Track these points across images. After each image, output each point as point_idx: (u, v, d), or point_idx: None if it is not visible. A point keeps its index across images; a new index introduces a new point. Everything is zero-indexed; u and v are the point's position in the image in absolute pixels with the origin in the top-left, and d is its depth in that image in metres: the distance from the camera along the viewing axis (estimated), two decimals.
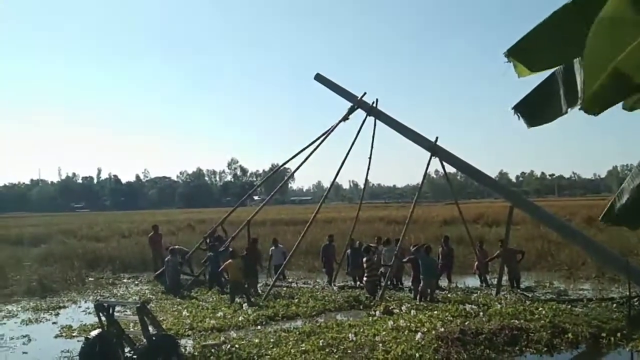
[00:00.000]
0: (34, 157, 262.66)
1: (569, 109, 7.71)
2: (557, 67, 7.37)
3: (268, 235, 29.22)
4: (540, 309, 13.68)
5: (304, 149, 19.88)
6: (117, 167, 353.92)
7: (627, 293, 14.16)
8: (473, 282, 19.63)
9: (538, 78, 7.83)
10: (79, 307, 17.70)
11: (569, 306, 14.35)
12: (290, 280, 21.40)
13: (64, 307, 17.69)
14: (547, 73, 7.43)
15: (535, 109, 7.91)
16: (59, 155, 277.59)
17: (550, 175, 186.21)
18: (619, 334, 11.26)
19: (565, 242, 21.45)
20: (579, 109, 6.23)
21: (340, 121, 19.38)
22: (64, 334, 13.73)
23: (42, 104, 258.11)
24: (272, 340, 11.87)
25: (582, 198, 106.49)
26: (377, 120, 19.15)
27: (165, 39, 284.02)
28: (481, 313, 13.63)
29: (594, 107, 6.22)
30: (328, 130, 19.53)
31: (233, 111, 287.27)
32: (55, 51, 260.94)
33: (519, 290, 17.38)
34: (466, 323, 12.33)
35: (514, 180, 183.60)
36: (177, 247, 21.04)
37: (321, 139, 19.54)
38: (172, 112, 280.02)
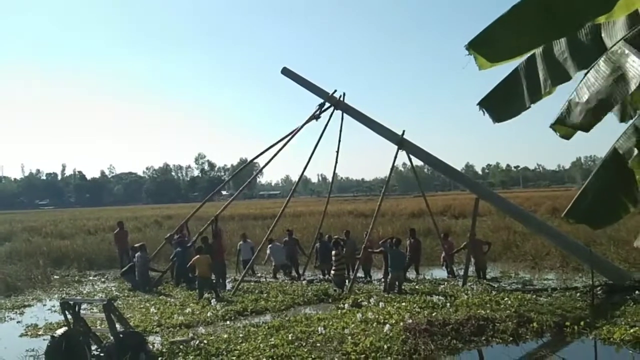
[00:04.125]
0: None
1: (532, 104, 7.88)
2: (518, 61, 7.54)
3: (236, 230, 29.13)
4: (506, 299, 13.86)
5: (273, 145, 19.84)
6: (81, 163, 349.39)
7: (591, 282, 14.44)
8: (440, 273, 19.81)
9: (501, 69, 7.98)
10: (44, 305, 17.41)
11: (534, 296, 14.58)
12: (259, 275, 21.35)
13: (29, 305, 17.38)
14: (508, 64, 7.59)
15: (500, 105, 8.07)
16: (22, 152, 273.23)
17: (515, 167, 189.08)
18: (582, 323, 11.42)
19: (530, 232, 21.81)
20: (550, 126, 6.42)
21: (310, 119, 19.39)
22: (29, 333, 13.48)
23: (3, 100, 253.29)
24: (241, 335, 11.83)
25: (547, 189, 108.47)
26: (344, 114, 19.21)
27: (131, 32, 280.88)
28: (448, 304, 13.75)
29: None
30: (297, 128, 19.53)
31: (200, 105, 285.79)
32: (19, 45, 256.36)
33: (485, 281, 17.60)
34: (433, 314, 12.45)
35: (479, 172, 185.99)
36: (137, 245, 20.67)
37: (290, 136, 19.54)
38: (138, 107, 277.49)
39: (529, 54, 7.37)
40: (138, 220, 44.78)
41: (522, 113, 8.05)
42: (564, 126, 6.24)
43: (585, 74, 6.26)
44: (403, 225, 28.84)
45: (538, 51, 7.41)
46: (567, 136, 6.64)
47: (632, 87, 5.49)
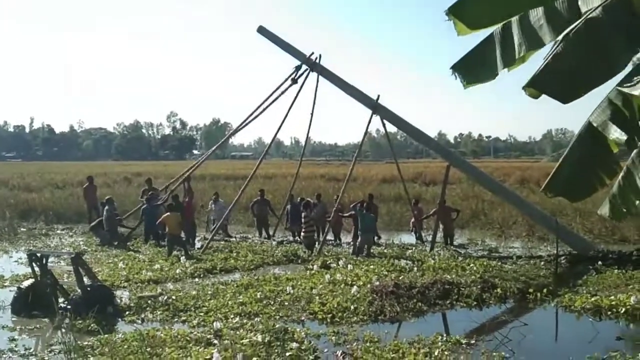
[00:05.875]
0: None
1: (505, 69, 7.89)
2: (495, 27, 7.50)
3: (207, 190, 29.03)
4: (472, 265, 14.06)
5: (253, 115, 19.71)
6: (50, 116, 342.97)
7: (555, 251, 14.75)
8: (409, 238, 20.03)
9: (478, 38, 7.96)
10: (11, 257, 17.25)
11: (499, 263, 14.82)
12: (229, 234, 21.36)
13: None
14: (484, 33, 7.57)
15: (473, 69, 8.05)
16: None
17: (487, 137, 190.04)
18: (545, 290, 11.69)
19: (498, 202, 22.14)
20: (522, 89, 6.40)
21: (289, 85, 19.08)
22: None
23: None
24: (209, 292, 11.90)
25: (517, 160, 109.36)
26: (319, 76, 19.03)
27: None
28: (415, 268, 13.95)
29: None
30: (277, 96, 19.20)
31: (172, 62, 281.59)
32: None
33: (452, 247, 17.85)
34: (400, 277, 12.60)
35: (452, 141, 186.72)
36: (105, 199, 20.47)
37: (268, 103, 19.29)
38: (108, 61, 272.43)
39: (506, 21, 7.34)
40: (107, 176, 44.29)
41: (495, 80, 8.07)
42: (540, 92, 6.20)
43: (564, 38, 6.21)
44: (374, 191, 28.89)
45: (514, 17, 7.36)
46: (535, 96, 6.65)
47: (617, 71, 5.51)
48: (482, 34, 7.75)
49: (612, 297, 10.80)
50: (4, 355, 8.44)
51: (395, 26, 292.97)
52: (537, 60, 7.70)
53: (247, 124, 20.43)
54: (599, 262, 14.18)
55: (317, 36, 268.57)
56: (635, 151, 8.08)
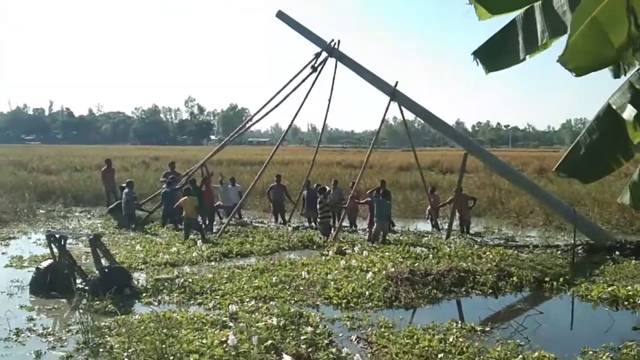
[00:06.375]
0: None
1: (527, 56, 7.77)
2: (517, 12, 7.40)
3: (224, 175, 29.07)
4: (488, 253, 14.02)
5: (272, 102, 19.55)
6: (69, 99, 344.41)
7: (572, 241, 14.64)
8: (425, 226, 19.98)
9: (498, 24, 7.87)
10: (30, 238, 17.47)
11: (516, 251, 14.74)
12: (245, 219, 21.44)
13: (14, 238, 17.43)
14: (505, 18, 7.47)
15: (494, 55, 7.95)
16: (8, 86, 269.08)
17: (505, 126, 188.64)
18: (561, 279, 11.61)
19: (515, 190, 22.01)
20: (557, 62, 6.23)
21: (310, 73, 18.88)
22: (14, 264, 13.53)
23: None
24: (225, 275, 11.97)
25: (535, 150, 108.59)
26: (337, 63, 18.90)
27: None
28: (431, 255, 13.89)
29: (573, 61, 6.21)
30: (296, 83, 19.05)
31: (191, 47, 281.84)
32: None
33: (468, 235, 17.82)
34: (416, 264, 12.61)
35: (470, 129, 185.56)
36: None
37: (289, 92, 19.10)
38: (128, 46, 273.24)
39: (528, 6, 7.24)
40: (125, 160, 44.58)
41: (516, 71, 7.98)
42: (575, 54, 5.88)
43: None
44: (391, 178, 28.90)
45: (537, 3, 7.25)
46: (577, 70, 6.45)
47: None
48: (503, 20, 7.64)
49: (629, 288, 10.75)
50: (22, 334, 8.55)
51: (412, 10, 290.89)
52: (559, 48, 7.60)
53: (267, 113, 20.19)
54: (617, 253, 14.09)
55: (328, 22, 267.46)
56: None
